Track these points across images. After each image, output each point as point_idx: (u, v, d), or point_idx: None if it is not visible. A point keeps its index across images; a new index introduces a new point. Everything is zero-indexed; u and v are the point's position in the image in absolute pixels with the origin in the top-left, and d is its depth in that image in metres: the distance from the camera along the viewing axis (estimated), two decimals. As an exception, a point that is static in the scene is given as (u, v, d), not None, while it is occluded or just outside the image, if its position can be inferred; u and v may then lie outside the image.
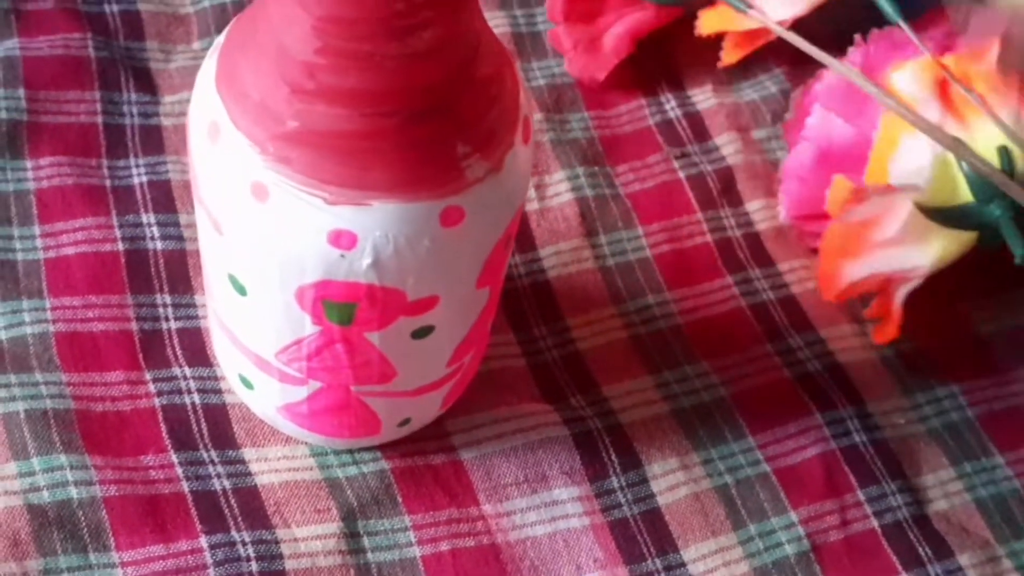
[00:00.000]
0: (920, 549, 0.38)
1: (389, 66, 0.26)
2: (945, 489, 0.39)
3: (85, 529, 0.35)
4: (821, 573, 0.37)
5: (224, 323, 0.34)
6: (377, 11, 0.25)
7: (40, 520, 0.35)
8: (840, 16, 0.43)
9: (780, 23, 0.41)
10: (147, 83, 0.45)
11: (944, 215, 0.38)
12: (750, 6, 0.41)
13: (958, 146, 0.36)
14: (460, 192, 0.28)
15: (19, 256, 0.40)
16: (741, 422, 0.40)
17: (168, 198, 0.42)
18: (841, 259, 0.40)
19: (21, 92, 0.43)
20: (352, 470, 0.37)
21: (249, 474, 0.37)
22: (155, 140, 0.43)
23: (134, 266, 0.40)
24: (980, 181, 0.37)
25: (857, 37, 0.42)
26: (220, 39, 0.30)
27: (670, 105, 0.47)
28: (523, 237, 0.43)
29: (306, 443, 0.37)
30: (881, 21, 0.41)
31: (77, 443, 0.36)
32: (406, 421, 0.36)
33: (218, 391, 0.38)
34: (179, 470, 0.36)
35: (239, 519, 0.36)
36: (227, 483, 0.36)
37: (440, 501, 0.37)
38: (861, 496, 0.38)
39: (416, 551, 0.36)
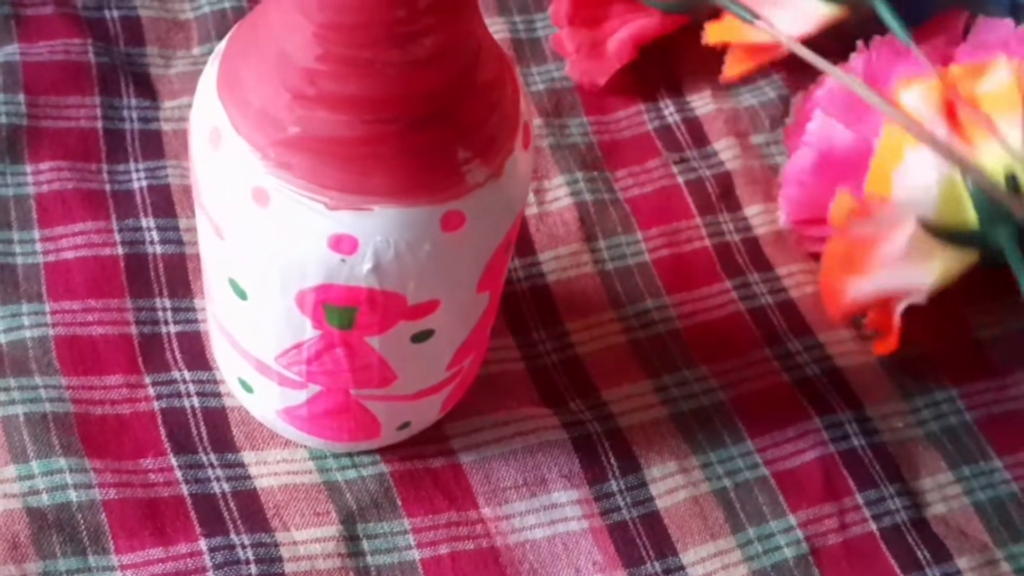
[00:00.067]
0: (919, 552, 0.38)
1: (390, 73, 0.26)
2: (943, 493, 0.39)
3: (84, 532, 0.35)
4: (819, 577, 0.37)
5: (224, 327, 0.34)
6: (378, 18, 0.25)
7: (39, 523, 0.35)
8: (845, 34, 0.43)
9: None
10: (147, 88, 0.45)
11: (950, 235, 0.38)
12: (757, 17, 0.41)
13: (963, 162, 0.36)
14: (461, 197, 0.28)
15: (19, 260, 0.40)
16: (740, 426, 0.40)
17: (168, 202, 0.42)
18: (844, 276, 0.40)
19: (21, 97, 0.43)
20: (351, 473, 0.37)
21: (248, 477, 0.37)
22: (155, 145, 0.43)
23: (134, 270, 0.40)
24: (986, 203, 0.37)
25: (859, 43, 0.42)
26: (221, 45, 0.30)
27: (669, 111, 0.47)
28: (522, 241, 0.43)
29: (305, 446, 0.37)
30: (885, 32, 0.41)
31: (76, 446, 0.36)
32: (405, 425, 0.36)
33: (217, 394, 0.38)
34: (178, 473, 0.36)
35: (238, 522, 0.36)
36: (226, 486, 0.36)
37: (439, 504, 0.37)
38: (860, 500, 0.38)
39: (415, 554, 0.36)
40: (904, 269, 0.39)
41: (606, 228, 0.44)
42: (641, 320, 0.42)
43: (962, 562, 0.38)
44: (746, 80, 0.47)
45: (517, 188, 0.30)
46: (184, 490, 0.36)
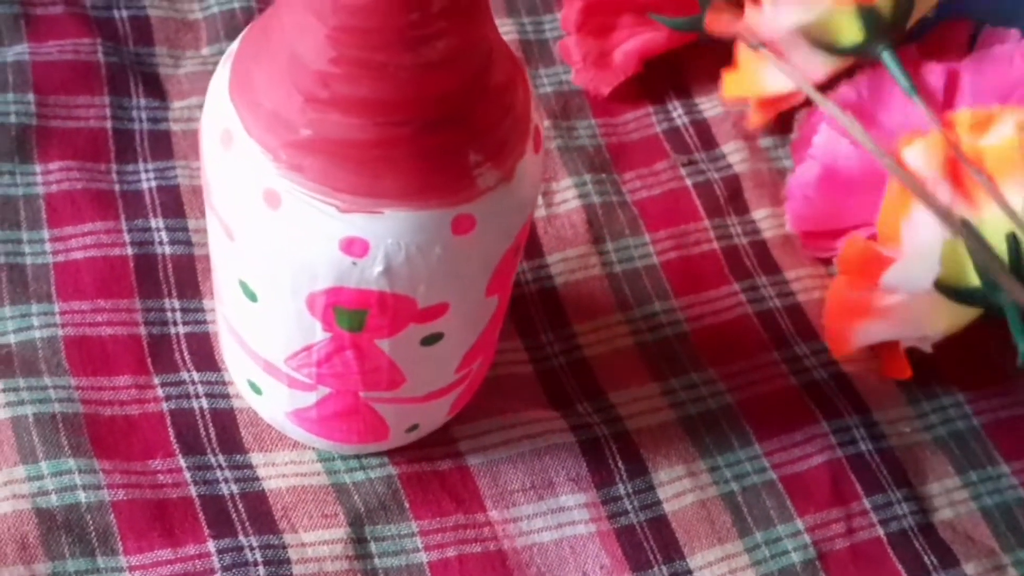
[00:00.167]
0: (926, 558, 0.38)
1: (403, 76, 0.26)
2: (951, 498, 0.39)
3: (93, 533, 0.35)
4: (826, 581, 0.37)
5: (234, 328, 0.34)
6: (392, 21, 0.25)
7: (48, 524, 0.35)
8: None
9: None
10: (156, 88, 0.45)
11: (955, 293, 0.38)
12: (763, 44, 0.42)
13: (963, 231, 0.36)
14: (472, 200, 0.28)
15: (28, 260, 0.40)
16: (747, 430, 0.40)
17: (177, 203, 0.42)
18: (849, 321, 0.40)
19: (31, 97, 0.43)
20: (359, 475, 0.37)
21: (257, 479, 0.37)
22: (164, 145, 0.43)
23: (143, 271, 0.40)
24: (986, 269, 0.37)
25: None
26: (233, 47, 0.30)
27: (677, 113, 0.47)
28: (530, 244, 0.43)
29: (314, 448, 0.37)
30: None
31: (85, 447, 0.36)
32: (414, 427, 0.36)
33: (226, 396, 0.38)
34: (187, 474, 0.36)
35: (247, 524, 0.36)
36: (235, 488, 0.36)
37: (447, 507, 0.37)
38: (867, 504, 0.38)
39: (423, 557, 0.36)
40: (910, 319, 0.39)
41: (614, 230, 0.44)
42: (649, 323, 0.42)
43: (969, 567, 0.38)
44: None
45: (528, 191, 0.30)
46: (193, 491, 0.36)
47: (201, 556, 0.35)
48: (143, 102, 0.44)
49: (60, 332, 0.38)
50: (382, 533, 0.36)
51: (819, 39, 0.42)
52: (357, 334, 0.31)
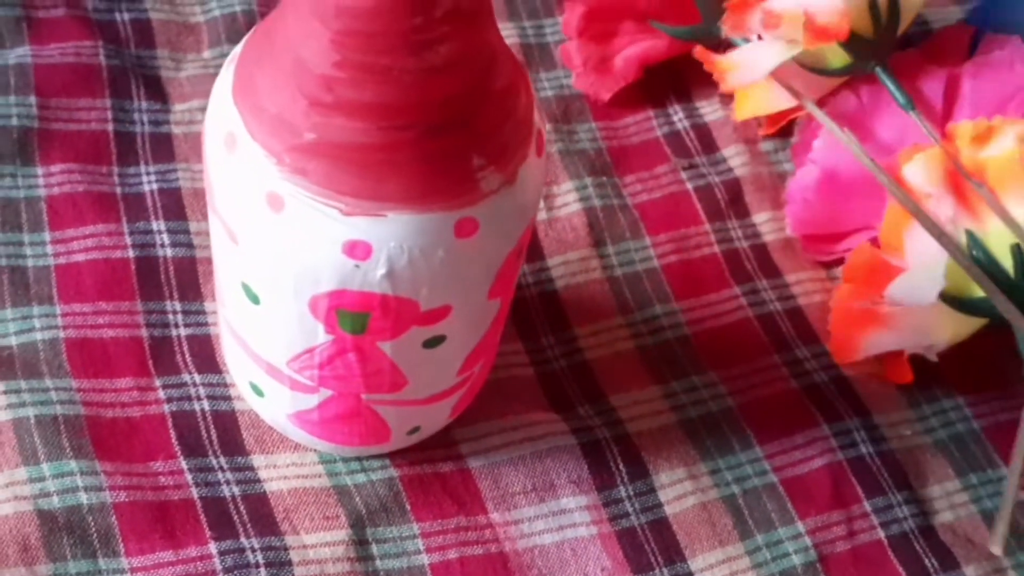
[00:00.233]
0: (926, 560, 0.38)
1: (406, 80, 0.26)
2: (951, 500, 0.39)
3: (95, 535, 0.35)
4: (827, 583, 0.37)
5: (236, 331, 0.34)
6: (395, 25, 0.25)
7: (50, 525, 0.35)
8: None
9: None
10: (158, 91, 0.45)
11: (961, 304, 0.38)
12: (756, 39, 0.42)
13: (958, 252, 0.36)
14: (474, 204, 0.28)
15: (30, 262, 0.40)
16: (748, 432, 0.40)
17: (178, 206, 0.42)
18: (855, 330, 0.40)
19: (32, 99, 0.43)
20: (361, 477, 0.37)
21: (258, 481, 0.37)
22: (165, 148, 0.43)
23: (144, 273, 0.40)
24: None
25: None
26: (236, 50, 0.30)
27: (678, 117, 0.47)
28: (531, 247, 0.43)
29: (315, 450, 0.37)
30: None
31: (87, 449, 0.36)
32: (415, 429, 0.36)
33: (227, 398, 0.38)
34: (188, 476, 0.36)
35: (248, 526, 0.36)
36: (236, 489, 0.36)
37: (448, 509, 0.37)
38: (868, 507, 0.39)
39: (424, 559, 0.36)
40: (917, 331, 0.39)
41: (615, 234, 0.44)
42: (650, 326, 0.42)
43: (969, 570, 0.38)
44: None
45: (530, 195, 0.30)
46: (194, 493, 0.36)
47: (203, 558, 0.35)
48: (144, 105, 0.44)
49: (61, 334, 0.38)
50: (383, 535, 0.36)
51: (811, 66, 0.42)
52: (359, 337, 0.31)
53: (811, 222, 0.43)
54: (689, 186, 0.45)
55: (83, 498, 0.35)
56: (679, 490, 0.38)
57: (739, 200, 0.45)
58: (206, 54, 0.46)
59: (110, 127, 0.43)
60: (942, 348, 0.39)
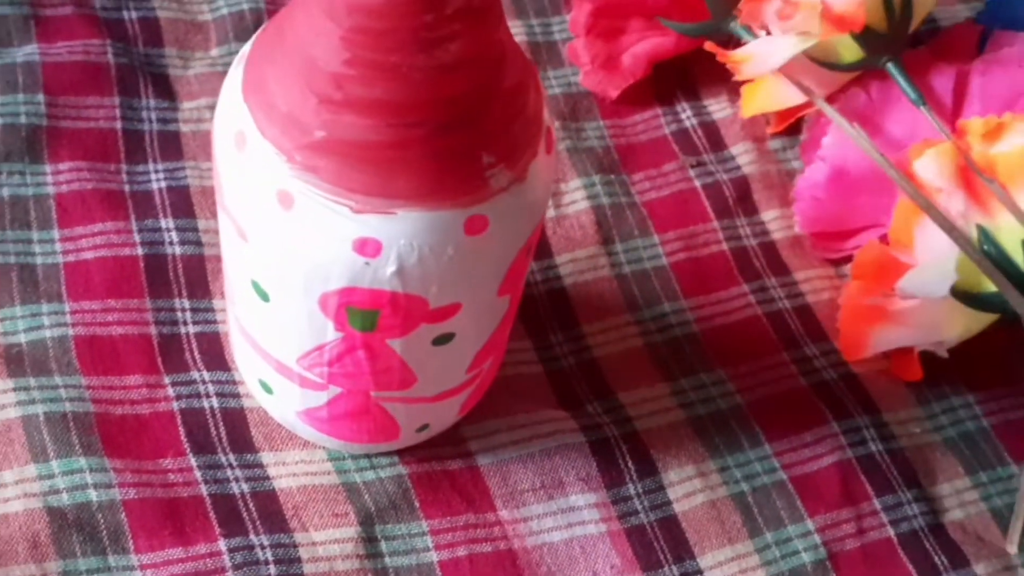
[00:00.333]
0: (936, 558, 0.38)
1: (417, 78, 0.26)
2: (961, 498, 0.39)
3: (104, 531, 0.35)
4: (836, 581, 0.37)
5: (245, 329, 0.34)
6: (406, 23, 0.25)
7: (59, 522, 0.35)
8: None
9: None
10: (166, 89, 0.45)
11: (972, 299, 0.38)
12: (757, 35, 0.42)
13: (968, 247, 0.36)
14: (484, 201, 0.28)
15: (39, 260, 0.40)
16: (757, 430, 0.40)
17: (187, 203, 0.42)
18: (865, 327, 0.40)
19: (41, 97, 0.43)
20: (370, 475, 0.37)
21: (267, 478, 0.37)
22: (174, 146, 0.43)
23: (153, 271, 0.40)
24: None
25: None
26: (246, 48, 0.30)
27: (686, 114, 0.47)
28: (539, 245, 0.43)
29: (324, 447, 0.37)
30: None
31: (96, 446, 0.36)
32: (424, 427, 0.36)
33: (236, 395, 0.38)
34: (198, 473, 0.36)
35: (257, 523, 0.36)
36: (245, 487, 0.36)
37: (457, 506, 0.37)
38: (877, 505, 0.38)
39: (433, 556, 0.36)
40: (927, 327, 0.39)
41: (623, 231, 0.44)
42: (658, 323, 0.42)
43: (979, 568, 0.38)
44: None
45: (540, 192, 0.30)
46: (203, 490, 0.36)
47: (212, 555, 0.35)
48: (153, 103, 0.44)
49: (71, 331, 0.38)
50: (392, 532, 0.36)
51: (822, 60, 0.42)
52: (369, 334, 0.31)
53: (820, 219, 0.43)
54: (697, 184, 0.45)
55: (92, 495, 0.35)
56: (688, 488, 0.38)
57: (747, 198, 0.45)
58: (214, 52, 0.46)
59: (118, 125, 0.43)
60: (952, 344, 0.39)
